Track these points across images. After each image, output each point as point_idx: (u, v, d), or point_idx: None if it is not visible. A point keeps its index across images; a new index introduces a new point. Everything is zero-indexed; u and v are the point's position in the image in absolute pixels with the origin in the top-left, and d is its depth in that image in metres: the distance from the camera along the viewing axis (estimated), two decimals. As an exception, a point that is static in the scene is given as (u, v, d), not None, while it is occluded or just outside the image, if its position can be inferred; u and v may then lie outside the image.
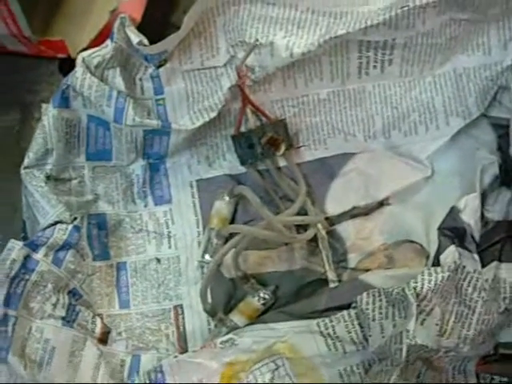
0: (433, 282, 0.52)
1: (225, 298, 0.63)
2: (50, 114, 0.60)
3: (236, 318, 0.60)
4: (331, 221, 0.64)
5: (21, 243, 0.56)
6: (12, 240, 0.57)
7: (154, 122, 0.61)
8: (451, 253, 0.56)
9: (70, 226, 0.59)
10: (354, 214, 0.64)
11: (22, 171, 0.61)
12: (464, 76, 0.62)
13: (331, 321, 0.56)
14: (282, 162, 0.66)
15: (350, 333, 0.55)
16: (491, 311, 0.54)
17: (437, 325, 0.53)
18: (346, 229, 0.64)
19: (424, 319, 0.52)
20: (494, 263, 0.56)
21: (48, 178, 0.61)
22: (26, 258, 0.57)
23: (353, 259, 0.63)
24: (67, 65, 0.67)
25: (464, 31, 0.60)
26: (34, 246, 0.57)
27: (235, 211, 0.65)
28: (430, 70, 0.63)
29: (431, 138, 0.64)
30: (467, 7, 0.59)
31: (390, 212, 0.64)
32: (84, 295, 0.61)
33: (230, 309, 0.62)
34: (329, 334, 0.56)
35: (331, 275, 0.62)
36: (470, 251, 0.56)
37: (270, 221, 0.59)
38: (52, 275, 0.58)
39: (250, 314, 0.61)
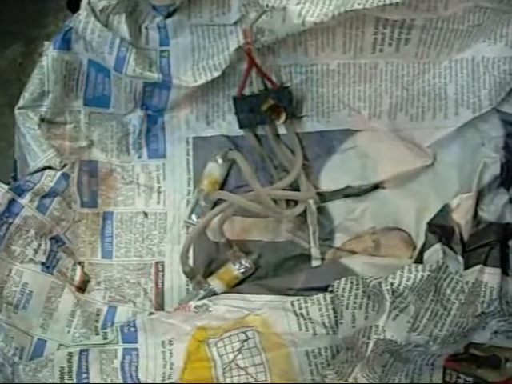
0: (411, 281, 0.52)
1: (206, 261, 0.63)
2: (49, 55, 0.60)
3: (214, 282, 0.61)
4: (323, 197, 0.63)
5: (6, 187, 0.57)
6: (-3, 183, 0.57)
7: (155, 76, 0.60)
8: (436, 251, 0.55)
9: (59, 173, 0.59)
10: (346, 193, 0.63)
11: (16, 111, 0.60)
12: (481, 66, 0.59)
13: (306, 301, 0.56)
14: (281, 130, 0.64)
15: (322, 316, 0.56)
16: (467, 314, 0.53)
17: (409, 322, 0.52)
18: (336, 207, 0.63)
19: (397, 315, 0.52)
20: (479, 266, 0.55)
21: (42, 120, 0.61)
22: (11, 201, 0.57)
23: (339, 239, 0.63)
24: (76, 2, 0.65)
25: (488, 20, 0.57)
26: (19, 191, 0.58)
27: (228, 174, 0.65)
28: (447, 54, 0.60)
29: (437, 126, 0.61)
30: (495, -5, 0.56)
31: (384, 197, 0.63)
32: (67, 242, 0.61)
33: (210, 273, 0.62)
34: (302, 314, 0.56)
35: (315, 252, 0.62)
36: (455, 252, 0.56)
37: (259, 193, 0.58)
38: (35, 221, 0.58)
39: (229, 281, 0.61)
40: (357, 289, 0.55)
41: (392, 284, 0.52)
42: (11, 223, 0.57)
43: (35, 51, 0.67)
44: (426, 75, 0.61)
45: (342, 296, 0.55)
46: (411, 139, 0.62)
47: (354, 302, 0.55)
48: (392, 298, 0.52)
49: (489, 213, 0.58)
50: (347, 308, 0.55)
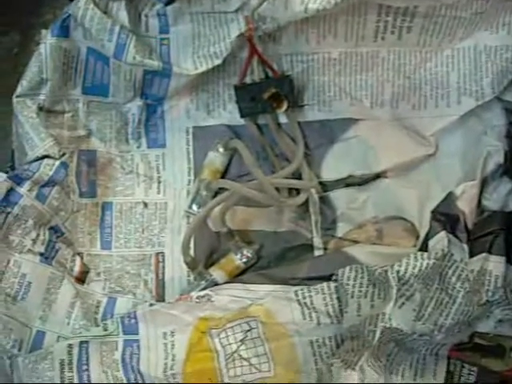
0: (417, 268, 0.52)
1: (207, 251, 0.62)
2: (47, 42, 0.59)
3: (216, 273, 0.60)
4: (325, 186, 0.63)
5: (5, 175, 0.56)
6: (-4, 172, 0.56)
7: (155, 63, 0.59)
8: (441, 239, 0.54)
9: (57, 162, 0.58)
10: (348, 182, 0.63)
11: (14, 99, 0.59)
12: (484, 54, 0.59)
13: (310, 291, 0.56)
14: (283, 119, 0.64)
15: (326, 305, 0.55)
16: (472, 303, 0.53)
17: (414, 310, 0.52)
18: (338, 196, 0.63)
19: (403, 303, 0.52)
20: (484, 254, 0.55)
21: (40, 109, 0.59)
22: (10, 190, 0.56)
23: (341, 228, 0.62)
24: (73, -12, 0.64)
25: (491, 7, 0.57)
26: (18, 180, 0.57)
27: (229, 164, 0.64)
28: (449, 42, 0.59)
29: (439, 114, 0.61)
30: (499, -18, 0.55)
31: (386, 186, 0.62)
32: (66, 232, 0.60)
33: (212, 263, 0.61)
34: (306, 303, 0.55)
35: (317, 242, 0.61)
36: (460, 240, 0.55)
37: (261, 181, 0.57)
38: (34, 210, 0.57)
39: (231, 271, 0.60)
40: (362, 277, 0.54)
41: (398, 272, 0.52)
42: (9, 212, 0.56)
43: (32, 40, 0.66)
44: (428, 64, 0.61)
45: (347, 285, 0.54)
46: (413, 128, 0.62)
47: (359, 291, 0.54)
48: (398, 285, 0.51)
49: (492, 201, 0.58)
50: (352, 297, 0.54)
